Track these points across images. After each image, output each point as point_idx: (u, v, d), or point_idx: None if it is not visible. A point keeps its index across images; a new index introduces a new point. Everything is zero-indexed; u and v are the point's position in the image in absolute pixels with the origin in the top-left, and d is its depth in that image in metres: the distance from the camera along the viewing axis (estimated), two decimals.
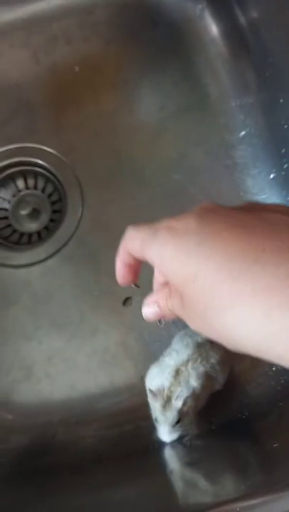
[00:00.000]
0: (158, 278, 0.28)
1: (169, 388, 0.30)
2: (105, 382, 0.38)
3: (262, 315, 0.18)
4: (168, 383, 0.30)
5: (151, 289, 0.40)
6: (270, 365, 0.36)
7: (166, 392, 0.30)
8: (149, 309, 0.26)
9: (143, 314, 0.27)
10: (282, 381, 0.35)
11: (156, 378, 0.31)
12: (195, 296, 0.21)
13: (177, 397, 0.29)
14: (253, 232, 0.19)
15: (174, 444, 0.30)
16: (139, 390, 0.35)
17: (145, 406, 0.32)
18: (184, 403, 0.30)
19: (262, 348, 0.19)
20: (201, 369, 0.31)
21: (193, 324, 0.22)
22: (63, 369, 0.38)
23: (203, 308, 0.20)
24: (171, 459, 0.31)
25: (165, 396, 0.30)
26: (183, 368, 0.31)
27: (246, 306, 0.18)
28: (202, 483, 0.26)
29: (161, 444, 0.30)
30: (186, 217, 0.22)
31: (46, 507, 0.30)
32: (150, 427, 0.31)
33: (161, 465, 0.31)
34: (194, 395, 0.30)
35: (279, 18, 0.43)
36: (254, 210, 0.22)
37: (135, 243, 0.24)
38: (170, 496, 0.26)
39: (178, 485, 0.28)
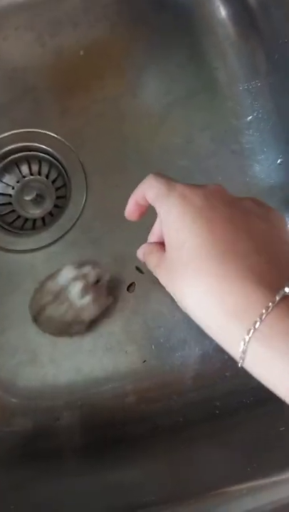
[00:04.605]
0: (155, 229, 0.33)
1: None
2: (109, 366, 0.38)
3: (203, 292, 0.24)
4: None
5: (154, 280, 0.41)
6: None
7: None
8: (140, 253, 0.32)
9: (137, 252, 0.33)
10: None
11: None
12: (175, 259, 0.25)
13: None
14: (235, 228, 0.25)
15: (178, 427, 0.30)
16: (142, 374, 0.35)
17: (149, 389, 0.32)
18: None
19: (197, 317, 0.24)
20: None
21: (162, 280, 0.27)
22: (68, 353, 0.38)
23: (175, 271, 0.25)
24: (175, 442, 0.31)
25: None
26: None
27: (201, 284, 0.24)
28: (205, 465, 0.26)
29: (165, 428, 0.31)
30: (197, 192, 0.26)
31: (50, 490, 0.30)
32: (154, 409, 0.31)
33: (165, 448, 0.31)
34: None
35: None
36: (245, 203, 0.27)
37: (151, 191, 0.28)
38: (173, 478, 0.26)
39: (182, 467, 0.28)
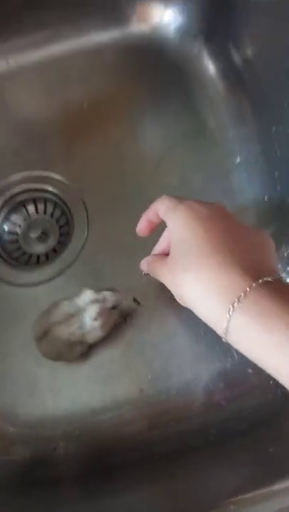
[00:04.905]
0: (160, 244, 0.38)
1: None
2: (106, 395, 0.38)
3: (194, 282, 0.28)
4: None
5: (151, 309, 0.42)
6: (269, 378, 0.37)
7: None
8: (144, 263, 0.38)
9: (141, 263, 0.39)
10: (280, 394, 0.36)
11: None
12: (176, 255, 0.31)
13: None
14: (228, 234, 0.30)
15: (174, 454, 0.31)
16: (139, 403, 0.36)
17: (146, 418, 0.33)
18: None
19: (195, 307, 0.29)
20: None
21: (165, 280, 0.32)
22: (66, 382, 0.39)
23: (175, 267, 0.30)
24: (172, 469, 0.31)
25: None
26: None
27: (193, 275, 0.28)
28: (203, 491, 0.27)
29: (162, 456, 0.31)
30: (203, 205, 0.32)
31: None
32: (150, 438, 0.32)
33: (160, 474, 0.31)
34: None
35: (271, 54, 0.47)
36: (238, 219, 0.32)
37: (163, 206, 0.34)
38: (171, 504, 0.27)
39: (179, 493, 0.28)
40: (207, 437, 0.34)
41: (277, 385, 0.37)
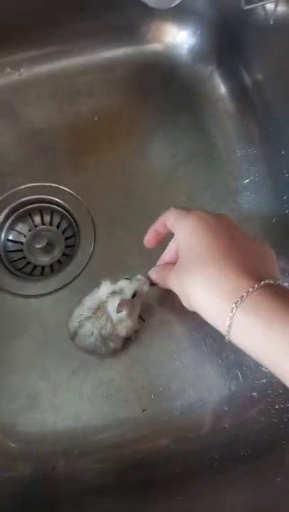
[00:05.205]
0: (165, 255, 0.38)
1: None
2: (109, 413, 0.38)
3: (200, 283, 0.30)
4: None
5: (155, 327, 0.42)
6: (273, 403, 0.37)
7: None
8: (152, 273, 0.39)
9: (148, 274, 0.39)
10: (285, 419, 0.35)
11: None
12: (184, 259, 0.32)
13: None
14: (234, 242, 0.31)
15: (176, 477, 0.30)
16: (141, 423, 0.36)
17: (147, 438, 0.32)
18: None
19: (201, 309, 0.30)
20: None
21: (173, 285, 0.34)
22: (68, 399, 0.39)
23: (183, 270, 0.32)
24: (172, 492, 0.30)
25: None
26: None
27: (199, 277, 0.30)
28: None
29: (162, 477, 0.30)
30: (211, 214, 0.34)
31: None
32: (152, 459, 0.31)
33: (161, 497, 0.31)
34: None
35: (280, 78, 0.48)
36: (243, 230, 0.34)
37: (170, 216, 0.35)
38: None
39: None
40: (210, 461, 0.33)
41: (283, 410, 0.37)
